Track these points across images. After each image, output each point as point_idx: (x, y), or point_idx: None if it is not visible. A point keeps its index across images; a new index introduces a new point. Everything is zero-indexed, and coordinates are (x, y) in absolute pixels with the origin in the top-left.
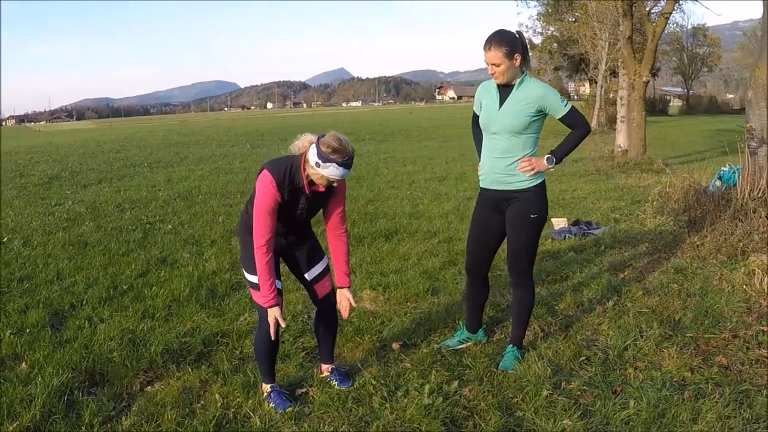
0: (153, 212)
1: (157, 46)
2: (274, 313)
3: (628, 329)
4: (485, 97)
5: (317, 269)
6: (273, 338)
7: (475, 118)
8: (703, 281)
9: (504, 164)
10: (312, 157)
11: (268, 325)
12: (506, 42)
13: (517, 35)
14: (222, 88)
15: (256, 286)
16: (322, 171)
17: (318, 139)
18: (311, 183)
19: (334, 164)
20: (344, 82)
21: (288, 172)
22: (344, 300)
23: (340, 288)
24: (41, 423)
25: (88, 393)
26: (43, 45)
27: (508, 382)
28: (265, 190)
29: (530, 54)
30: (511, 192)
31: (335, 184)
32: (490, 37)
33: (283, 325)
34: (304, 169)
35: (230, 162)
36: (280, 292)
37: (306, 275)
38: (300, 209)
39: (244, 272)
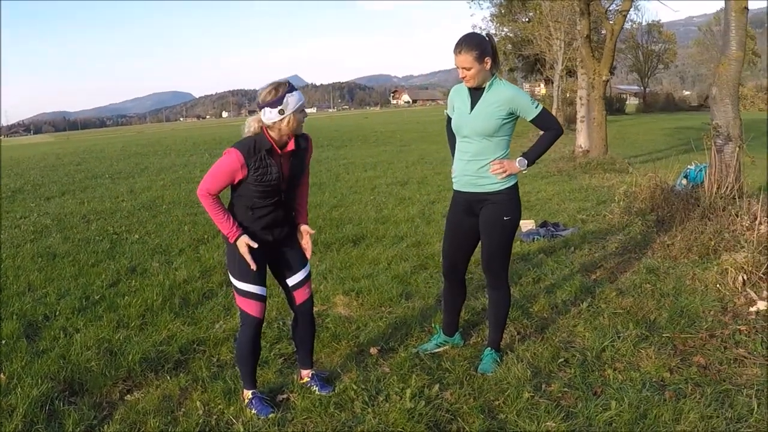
0: (119, 223)
1: (111, 57)
2: (243, 241)
3: (604, 330)
4: (457, 100)
5: (299, 276)
6: (253, 268)
7: (449, 120)
8: (676, 281)
9: (476, 167)
10: (271, 116)
11: (251, 329)
12: (476, 45)
13: (487, 38)
14: (177, 98)
15: (241, 292)
16: (290, 108)
17: (262, 113)
18: (282, 147)
19: (288, 95)
20: (299, 88)
21: (254, 143)
22: (305, 233)
23: (301, 224)
24: None
25: (68, 402)
26: None
27: (489, 385)
28: (230, 157)
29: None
30: (484, 194)
31: (303, 143)
32: (460, 40)
33: (253, 245)
34: (270, 137)
35: (191, 171)
36: (264, 299)
37: (288, 280)
38: (275, 177)
39: (231, 277)
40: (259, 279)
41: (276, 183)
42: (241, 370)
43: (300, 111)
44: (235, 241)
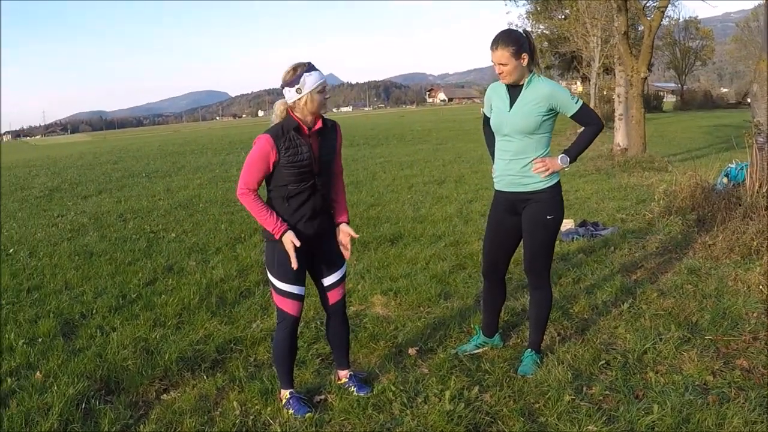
0: (155, 221)
1: (148, 57)
2: (289, 237)
3: (645, 332)
4: (495, 98)
5: (336, 276)
6: (294, 267)
7: (486, 120)
8: (717, 282)
9: (518, 166)
10: (290, 95)
11: (288, 327)
12: (513, 41)
13: (524, 34)
14: (213, 97)
15: (279, 291)
16: (307, 87)
17: (284, 93)
18: (309, 127)
19: (306, 74)
20: (334, 87)
21: (281, 126)
22: (345, 235)
23: (343, 223)
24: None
25: (104, 401)
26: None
27: (529, 388)
28: (260, 143)
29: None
30: (527, 194)
31: (331, 124)
32: (496, 36)
33: (297, 243)
34: (296, 118)
35: (227, 170)
36: (302, 298)
37: (324, 280)
38: (306, 156)
39: (269, 275)
40: (298, 279)
41: (308, 163)
42: (277, 369)
43: (319, 91)
44: (281, 237)
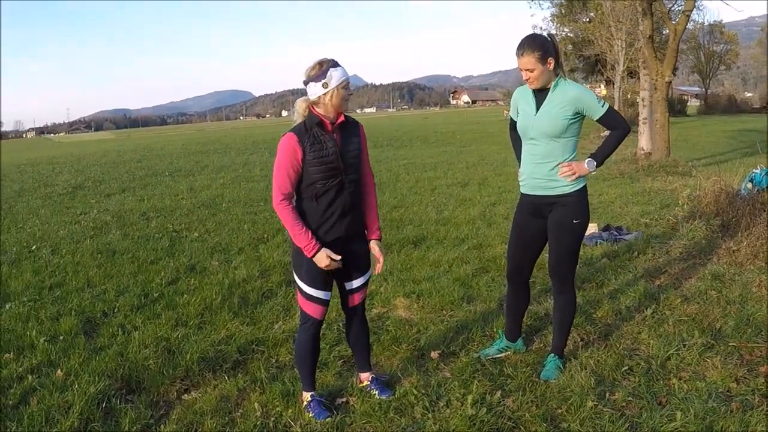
0: (178, 220)
1: (173, 56)
2: (325, 254)
3: (669, 338)
4: (521, 102)
5: (360, 281)
6: (337, 264)
7: (513, 123)
8: (742, 288)
9: (545, 169)
10: (315, 90)
11: (311, 329)
12: (538, 46)
13: (549, 38)
14: (237, 97)
15: (305, 294)
16: (334, 82)
17: (308, 89)
18: (332, 124)
19: (332, 69)
20: (358, 88)
21: (304, 124)
22: (377, 253)
23: (374, 240)
24: (80, 430)
25: (125, 401)
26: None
27: (552, 393)
28: (284, 142)
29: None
30: (553, 197)
31: (353, 121)
32: (522, 42)
33: (336, 258)
34: (318, 114)
35: (250, 170)
36: (327, 303)
37: (347, 283)
38: (332, 151)
39: (295, 277)
40: (325, 284)
41: (334, 158)
42: (299, 371)
43: (344, 86)
44: (314, 255)
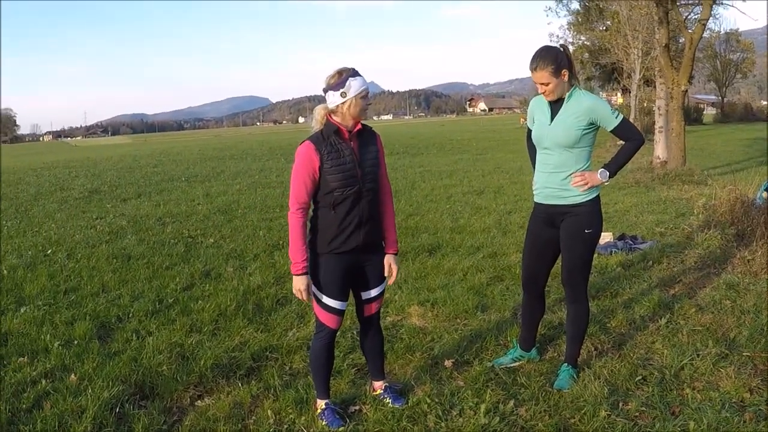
0: (194, 226)
1: (190, 61)
2: (305, 282)
3: (683, 348)
4: (537, 112)
5: (376, 291)
6: (306, 299)
7: (530, 133)
8: (756, 297)
9: (558, 179)
10: (334, 99)
11: (326, 338)
12: (552, 60)
13: (562, 49)
14: (254, 103)
15: (321, 303)
16: (352, 92)
17: (327, 97)
18: (349, 132)
19: (351, 79)
20: (375, 95)
21: (321, 132)
22: (393, 267)
23: (390, 254)
24: None
25: (138, 406)
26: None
27: (565, 402)
28: (301, 151)
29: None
30: (566, 207)
31: (370, 129)
32: (535, 56)
33: (304, 298)
34: (335, 122)
35: (267, 176)
36: (343, 312)
37: (363, 293)
38: (349, 159)
39: (311, 285)
40: (342, 294)
41: (351, 166)
42: (314, 379)
43: (363, 96)
44: (297, 275)
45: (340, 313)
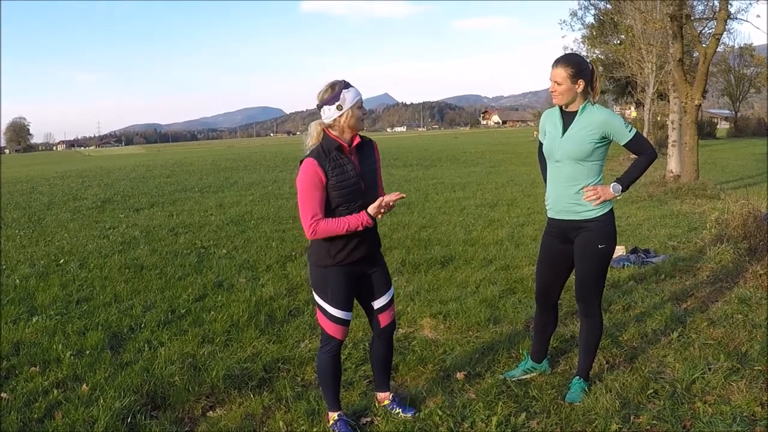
0: (207, 237)
1: (204, 72)
2: (373, 209)
3: (694, 362)
4: (548, 124)
5: (384, 299)
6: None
7: (541, 146)
8: None
9: (570, 192)
10: (330, 113)
11: (332, 350)
12: (574, 64)
13: (590, 64)
14: (267, 113)
15: (327, 314)
16: (348, 104)
17: (322, 113)
18: (349, 144)
19: (344, 91)
20: (388, 107)
21: (321, 148)
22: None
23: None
24: None
25: (150, 417)
26: (93, 72)
27: (577, 415)
28: (306, 168)
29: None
30: (579, 222)
31: (368, 140)
32: (561, 56)
33: (372, 212)
34: (333, 137)
35: (280, 187)
36: (348, 323)
37: (373, 303)
38: (352, 174)
39: (316, 297)
40: (347, 304)
41: (355, 181)
42: (324, 391)
43: (358, 107)
44: (369, 217)
45: (346, 323)
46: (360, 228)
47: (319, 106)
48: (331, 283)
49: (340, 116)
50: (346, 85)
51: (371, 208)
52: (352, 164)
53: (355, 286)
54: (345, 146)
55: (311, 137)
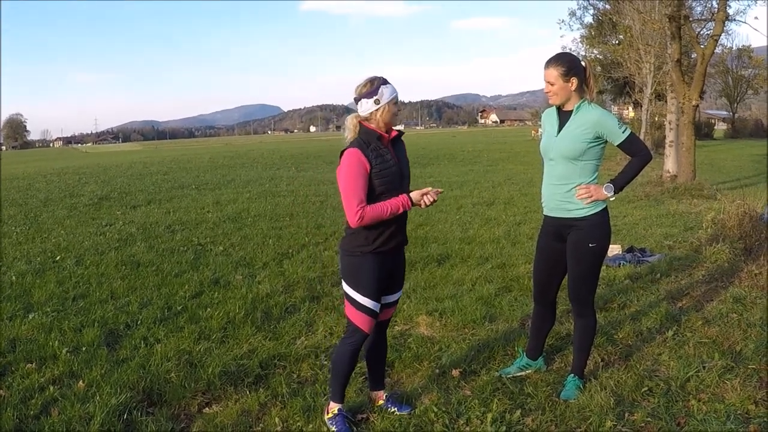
0: (203, 234)
1: (202, 70)
2: (416, 194)
3: (689, 360)
4: (546, 123)
5: (394, 297)
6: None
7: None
8: (763, 311)
9: (562, 191)
10: (368, 107)
11: (355, 342)
12: (565, 63)
13: (582, 62)
14: (265, 111)
15: (355, 304)
16: (385, 98)
17: (359, 106)
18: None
19: (383, 86)
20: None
21: (363, 140)
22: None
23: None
24: None
25: (146, 413)
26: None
27: (571, 412)
28: (350, 157)
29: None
30: (571, 220)
31: (400, 127)
32: (552, 56)
33: (429, 199)
34: (371, 128)
35: (277, 185)
36: (377, 315)
37: (388, 297)
38: (392, 163)
39: (346, 286)
40: (378, 294)
41: (395, 169)
42: (333, 381)
43: (394, 102)
44: (411, 202)
45: (375, 315)
46: (400, 210)
47: (357, 99)
48: (366, 270)
49: (377, 110)
50: (384, 81)
51: (414, 194)
52: (390, 154)
53: (386, 278)
54: (385, 136)
55: (349, 130)
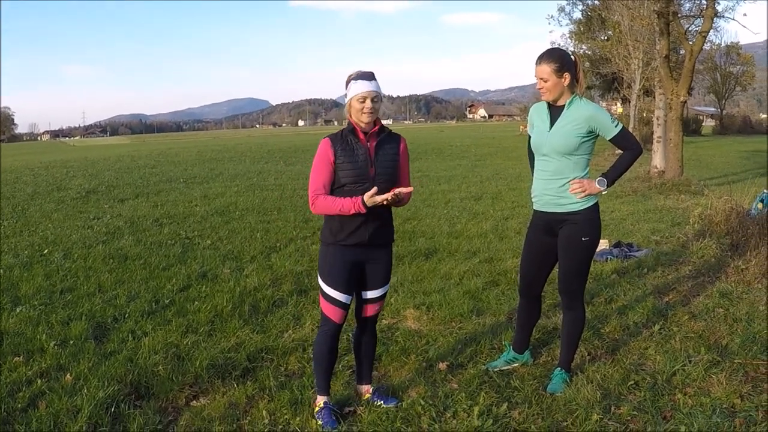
0: (191, 227)
1: (191, 64)
2: (368, 196)
3: (675, 354)
4: (536, 119)
5: (378, 292)
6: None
7: (530, 139)
8: (749, 306)
9: (555, 186)
10: (346, 99)
11: (329, 333)
12: (557, 58)
13: (572, 56)
14: (254, 105)
15: (326, 296)
16: (350, 94)
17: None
18: (365, 133)
19: (352, 82)
20: None
21: (343, 131)
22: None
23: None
24: None
25: (134, 406)
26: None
27: (558, 406)
28: (319, 147)
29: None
30: (564, 214)
31: (389, 130)
32: (543, 52)
33: (376, 195)
34: (351, 121)
35: (265, 179)
36: (347, 307)
37: (366, 293)
38: (362, 157)
39: (319, 279)
40: (346, 287)
41: (363, 163)
42: (315, 372)
43: (358, 99)
44: (363, 205)
45: (344, 306)
46: (352, 212)
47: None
48: (329, 261)
49: (346, 105)
50: (356, 77)
51: (366, 196)
52: (364, 149)
53: (355, 271)
54: (359, 131)
55: (345, 119)
